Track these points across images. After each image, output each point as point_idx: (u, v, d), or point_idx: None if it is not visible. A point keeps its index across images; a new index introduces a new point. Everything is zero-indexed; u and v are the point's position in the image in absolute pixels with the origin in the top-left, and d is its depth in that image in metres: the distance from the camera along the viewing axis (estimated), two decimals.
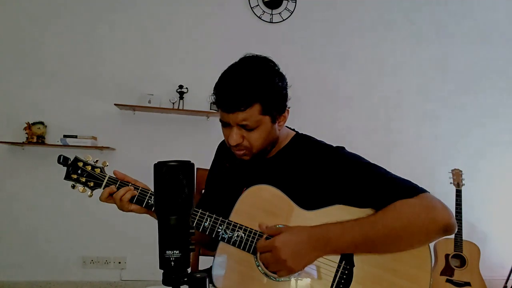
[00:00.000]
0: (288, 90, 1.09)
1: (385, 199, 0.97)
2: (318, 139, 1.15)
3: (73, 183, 1.09)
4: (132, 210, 1.06)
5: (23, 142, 2.69)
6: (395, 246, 0.96)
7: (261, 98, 0.99)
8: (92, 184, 1.08)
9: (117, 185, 1.06)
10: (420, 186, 0.99)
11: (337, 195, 1.02)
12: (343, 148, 1.10)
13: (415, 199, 0.95)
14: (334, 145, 1.11)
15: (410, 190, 0.97)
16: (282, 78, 1.06)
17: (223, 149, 1.27)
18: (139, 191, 1.05)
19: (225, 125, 1.05)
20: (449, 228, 0.94)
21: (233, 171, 1.20)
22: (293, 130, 1.19)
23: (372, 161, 1.06)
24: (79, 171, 1.08)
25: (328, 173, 1.04)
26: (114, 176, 1.08)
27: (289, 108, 1.11)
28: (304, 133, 1.18)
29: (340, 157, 1.06)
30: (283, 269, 0.95)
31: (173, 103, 2.86)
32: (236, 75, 1.01)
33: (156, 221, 0.61)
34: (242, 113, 0.98)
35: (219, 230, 1.02)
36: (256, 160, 1.14)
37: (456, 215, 2.58)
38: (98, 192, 1.09)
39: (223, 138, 1.28)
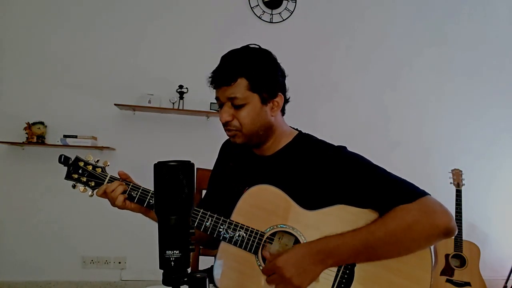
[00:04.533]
0: (286, 83, 1.12)
1: (385, 201, 0.97)
2: (320, 138, 1.15)
3: (74, 183, 1.08)
4: (126, 208, 1.05)
5: (23, 142, 2.69)
6: (396, 252, 0.96)
7: (246, 73, 1.02)
8: (93, 184, 1.07)
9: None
10: (420, 188, 0.99)
11: (338, 195, 1.02)
12: (344, 147, 1.10)
13: (414, 204, 0.95)
14: (336, 145, 1.11)
15: (410, 193, 0.97)
16: (274, 63, 1.09)
17: (227, 148, 1.28)
18: (140, 190, 1.04)
19: (219, 106, 1.09)
20: (449, 232, 0.95)
21: (236, 170, 1.19)
22: (296, 129, 1.19)
23: (372, 161, 1.05)
24: (80, 171, 1.07)
25: (329, 173, 1.04)
26: (116, 176, 1.07)
27: (288, 98, 1.13)
28: (307, 133, 1.18)
29: (342, 157, 1.06)
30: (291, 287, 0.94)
31: (173, 103, 2.86)
32: (228, 54, 1.08)
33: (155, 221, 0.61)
34: (230, 87, 1.03)
35: (220, 229, 1.02)
36: (255, 156, 1.15)
37: (456, 215, 2.59)
38: None
39: (223, 138, 1.29)
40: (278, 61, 1.10)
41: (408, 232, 0.93)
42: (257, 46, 1.10)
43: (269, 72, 1.06)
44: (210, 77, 1.07)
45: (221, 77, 1.04)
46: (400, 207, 0.95)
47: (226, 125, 1.07)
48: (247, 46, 1.10)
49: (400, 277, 0.97)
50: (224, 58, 1.07)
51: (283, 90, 1.11)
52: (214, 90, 1.08)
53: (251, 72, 1.03)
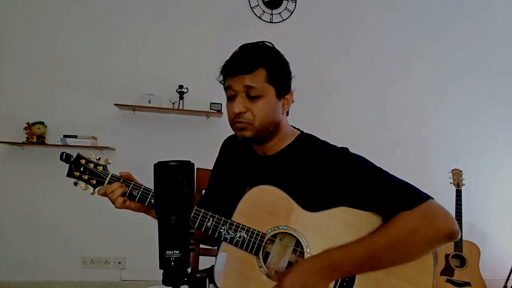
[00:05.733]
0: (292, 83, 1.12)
1: (387, 204, 0.96)
2: (322, 139, 1.14)
3: (76, 180, 1.07)
4: (127, 208, 1.05)
5: (23, 142, 2.69)
6: (399, 260, 0.95)
7: (266, 64, 1.02)
8: (94, 181, 1.06)
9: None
10: (423, 191, 0.98)
11: (340, 197, 1.01)
12: (347, 149, 1.08)
13: (416, 210, 0.94)
14: (338, 146, 1.10)
15: (413, 198, 0.95)
16: (286, 61, 1.10)
17: (228, 146, 1.26)
18: (141, 189, 1.04)
19: (230, 98, 1.05)
20: (452, 236, 0.94)
21: (237, 169, 1.18)
22: (298, 129, 1.18)
23: (374, 163, 1.05)
24: (81, 169, 1.07)
25: (331, 175, 1.03)
26: (117, 174, 1.07)
27: (293, 100, 1.13)
28: (309, 133, 1.17)
29: (344, 158, 1.05)
30: None
31: (173, 103, 2.86)
32: (244, 46, 1.08)
33: (156, 220, 0.61)
34: (249, 76, 1.00)
35: (221, 230, 1.01)
36: (257, 156, 1.14)
37: (456, 215, 2.59)
38: None
39: (223, 138, 1.29)
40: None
41: (411, 240, 0.93)
42: (271, 44, 1.11)
43: (285, 68, 1.08)
44: (225, 64, 1.05)
45: (241, 64, 1.01)
46: (402, 215, 0.94)
47: (237, 117, 1.03)
48: (264, 41, 1.10)
49: (401, 280, 0.96)
50: (243, 48, 1.06)
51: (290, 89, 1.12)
52: (225, 79, 1.05)
53: (271, 64, 1.03)
